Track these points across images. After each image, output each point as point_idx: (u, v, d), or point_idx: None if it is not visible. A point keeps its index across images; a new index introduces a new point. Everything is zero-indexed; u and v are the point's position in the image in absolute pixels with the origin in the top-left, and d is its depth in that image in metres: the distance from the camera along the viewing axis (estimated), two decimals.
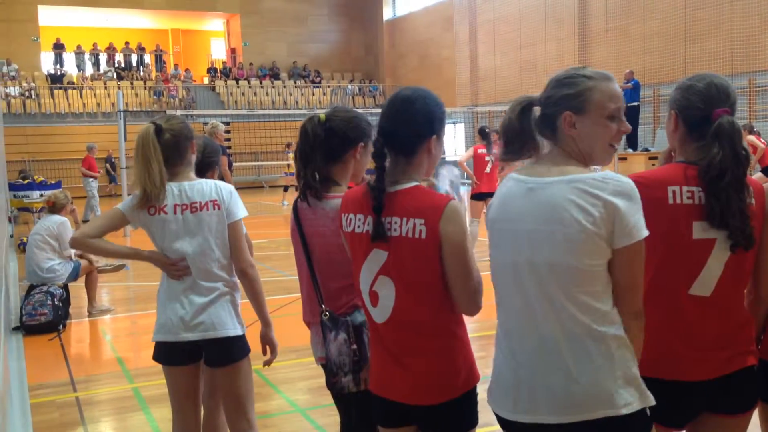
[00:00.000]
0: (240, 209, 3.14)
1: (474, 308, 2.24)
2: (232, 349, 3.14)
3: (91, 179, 17.70)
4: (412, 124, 2.26)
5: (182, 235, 3.07)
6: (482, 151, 10.26)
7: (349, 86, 33.29)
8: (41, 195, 15.02)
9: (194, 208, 3.06)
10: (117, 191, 24.82)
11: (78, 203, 14.41)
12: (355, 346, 2.54)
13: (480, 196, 10.25)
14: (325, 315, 2.60)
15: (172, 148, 3.06)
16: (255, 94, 31.63)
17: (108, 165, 25.44)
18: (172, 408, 3.28)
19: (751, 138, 13.06)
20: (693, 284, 2.23)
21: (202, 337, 3.08)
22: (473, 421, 2.34)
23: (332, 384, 2.61)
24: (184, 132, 3.11)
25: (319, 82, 33.41)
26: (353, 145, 2.66)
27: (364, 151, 2.69)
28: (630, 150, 19.08)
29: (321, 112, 2.74)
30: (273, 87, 32.30)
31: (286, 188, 21.12)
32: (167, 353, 3.19)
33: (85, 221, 17.21)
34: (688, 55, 19.41)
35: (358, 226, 2.32)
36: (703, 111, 2.26)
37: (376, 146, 2.26)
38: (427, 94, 2.31)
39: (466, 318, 2.33)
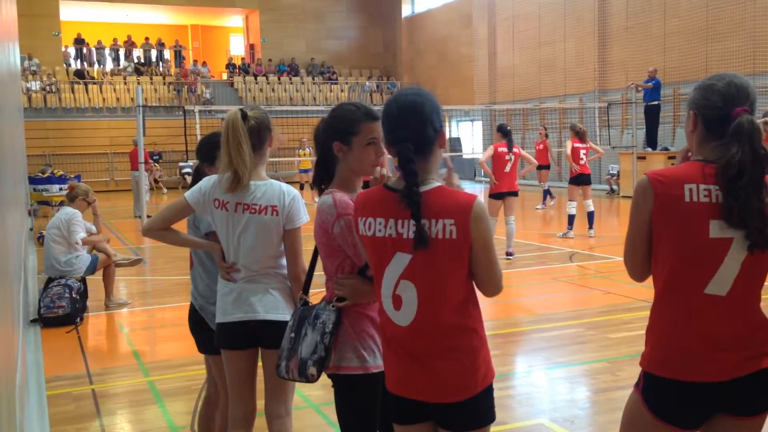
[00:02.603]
0: (300, 217, 3.22)
1: (498, 290, 2.32)
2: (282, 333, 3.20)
3: (135, 172, 17.76)
4: (430, 123, 2.29)
5: (239, 233, 3.17)
6: (502, 149, 10.15)
7: (367, 83, 33.27)
8: (61, 189, 15.18)
9: (254, 209, 3.15)
10: (152, 184, 25.02)
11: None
12: (292, 335, 2.69)
13: (499, 196, 10.17)
14: (300, 301, 2.82)
15: (255, 136, 3.16)
16: (273, 90, 31.70)
17: (152, 159, 25.41)
18: (230, 393, 3.34)
19: None
20: (709, 283, 2.21)
21: (254, 318, 3.18)
22: (491, 416, 2.35)
23: (277, 367, 2.74)
24: (266, 122, 3.22)
25: (336, 79, 33.43)
26: (329, 145, 2.70)
27: (347, 149, 2.66)
28: (649, 149, 18.96)
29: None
30: (291, 83, 32.35)
31: (302, 186, 20.71)
32: (227, 337, 3.26)
33: (137, 216, 17.40)
34: (709, 54, 19.21)
35: (379, 230, 2.31)
36: (722, 110, 2.23)
37: (405, 153, 2.25)
38: (426, 91, 2.36)
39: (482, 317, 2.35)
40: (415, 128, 2.28)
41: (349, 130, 2.65)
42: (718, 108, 2.24)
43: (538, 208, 17.29)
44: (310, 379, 2.61)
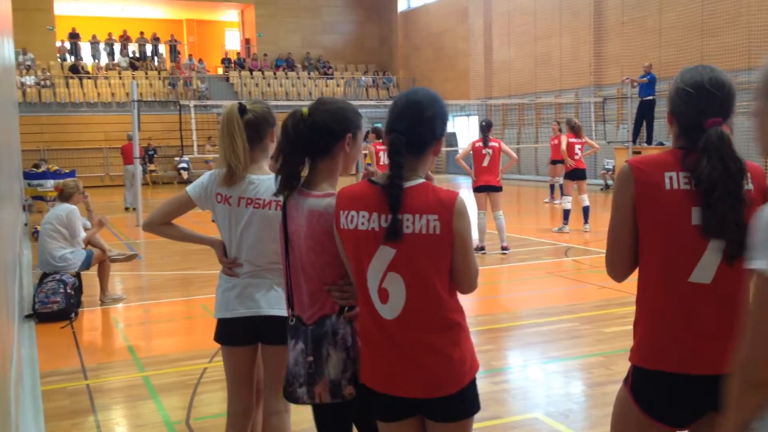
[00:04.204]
0: None
1: (473, 288, 2.35)
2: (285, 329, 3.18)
3: (128, 167, 17.76)
4: (429, 126, 2.32)
5: (242, 228, 3.16)
6: (479, 144, 10.29)
7: (363, 78, 33.26)
8: (55, 184, 15.13)
9: (257, 204, 3.13)
10: (147, 180, 25.04)
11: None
12: (311, 359, 2.49)
13: (480, 189, 10.27)
14: (291, 320, 2.59)
15: (253, 130, 3.15)
16: (269, 85, 31.65)
17: (146, 155, 25.32)
18: (229, 390, 3.34)
19: None
20: (693, 271, 2.20)
21: (257, 313, 3.17)
22: (476, 407, 2.37)
23: (288, 393, 2.57)
24: (266, 116, 3.21)
25: (332, 74, 33.38)
26: (340, 138, 2.57)
27: (354, 142, 2.61)
28: (645, 144, 18.99)
29: (304, 107, 2.60)
30: (287, 78, 32.31)
31: None
32: (227, 333, 3.26)
33: (126, 208, 17.47)
34: (704, 49, 19.23)
35: (362, 224, 2.31)
36: (695, 119, 2.24)
37: (396, 144, 2.28)
38: (439, 97, 2.38)
39: (473, 312, 2.36)
40: (413, 124, 2.30)
41: (359, 123, 2.64)
42: (691, 116, 2.25)
43: (556, 203, 17.31)
44: (348, 399, 2.49)
